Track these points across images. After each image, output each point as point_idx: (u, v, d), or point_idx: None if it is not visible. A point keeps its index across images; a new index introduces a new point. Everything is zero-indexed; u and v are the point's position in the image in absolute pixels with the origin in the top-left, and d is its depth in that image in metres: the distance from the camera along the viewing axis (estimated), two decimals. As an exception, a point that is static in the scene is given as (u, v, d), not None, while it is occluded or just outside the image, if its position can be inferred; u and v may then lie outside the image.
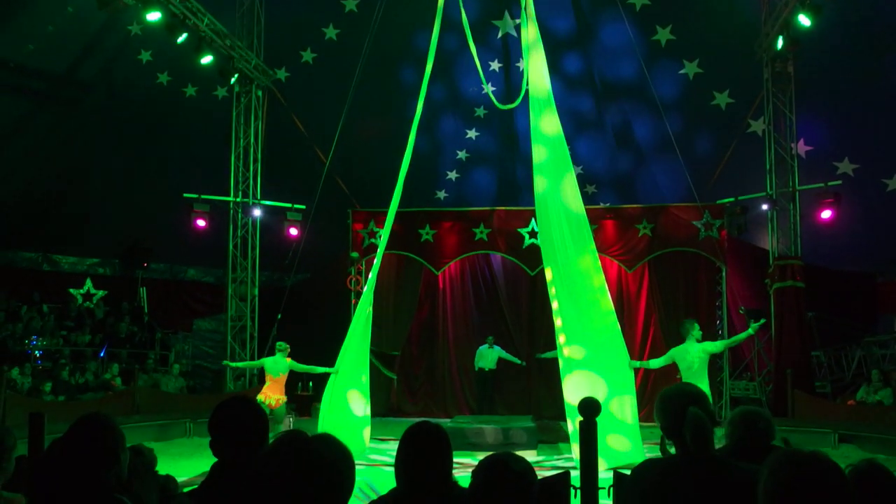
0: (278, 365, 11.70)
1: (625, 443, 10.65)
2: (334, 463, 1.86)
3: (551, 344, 16.04)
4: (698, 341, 10.75)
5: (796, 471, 1.88)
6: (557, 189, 11.90)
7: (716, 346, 11.23)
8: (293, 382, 17.56)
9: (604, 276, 11.69)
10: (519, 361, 16.68)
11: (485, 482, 2.59)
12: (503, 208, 17.84)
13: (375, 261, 13.39)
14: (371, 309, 12.60)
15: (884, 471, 3.09)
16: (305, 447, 1.87)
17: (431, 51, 13.23)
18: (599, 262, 11.74)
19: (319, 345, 19.10)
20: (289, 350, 11.87)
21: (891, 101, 15.61)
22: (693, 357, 10.57)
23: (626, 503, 2.87)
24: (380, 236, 17.55)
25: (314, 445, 1.88)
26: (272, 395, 11.54)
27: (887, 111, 15.63)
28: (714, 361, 16.46)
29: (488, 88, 14.33)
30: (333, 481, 1.85)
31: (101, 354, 16.85)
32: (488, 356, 16.57)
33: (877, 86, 15.68)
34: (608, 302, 11.43)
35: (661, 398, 2.98)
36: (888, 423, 12.55)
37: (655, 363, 11.43)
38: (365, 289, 12.94)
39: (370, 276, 13.37)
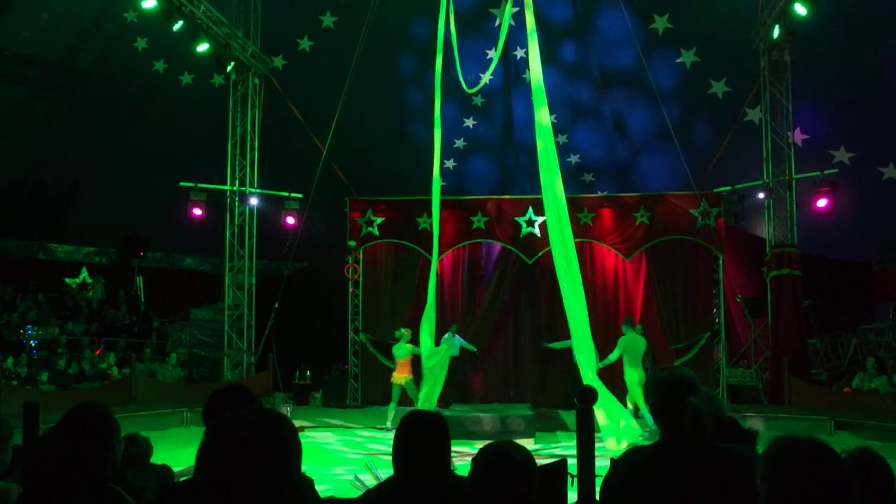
0: (400, 350, 13.78)
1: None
2: (273, 440, 1.77)
3: (553, 332, 16.14)
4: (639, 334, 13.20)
5: (796, 458, 1.88)
6: (553, 183, 12.13)
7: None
8: (292, 372, 17.63)
9: (580, 278, 11.98)
10: (474, 349, 16.72)
11: (485, 470, 2.59)
12: (501, 197, 17.83)
13: (433, 258, 14.11)
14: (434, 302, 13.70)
15: (877, 458, 3.10)
16: (242, 432, 1.78)
17: (439, 45, 13.31)
18: (577, 262, 12.02)
19: (317, 332, 19.19)
20: (409, 336, 13.82)
21: (887, 89, 15.61)
22: (641, 346, 12.90)
23: (610, 486, 2.85)
24: (377, 225, 17.60)
25: (250, 428, 1.79)
26: (397, 375, 13.81)
27: (883, 100, 15.63)
28: (710, 349, 16.56)
29: (462, 80, 14.31)
30: (278, 456, 1.76)
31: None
32: (454, 345, 16.73)
33: (873, 74, 15.66)
34: (580, 297, 11.77)
35: (655, 382, 2.93)
36: (883, 410, 12.59)
37: (614, 356, 12.87)
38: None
39: (430, 273, 14.02)
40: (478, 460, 2.62)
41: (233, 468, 1.67)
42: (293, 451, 1.79)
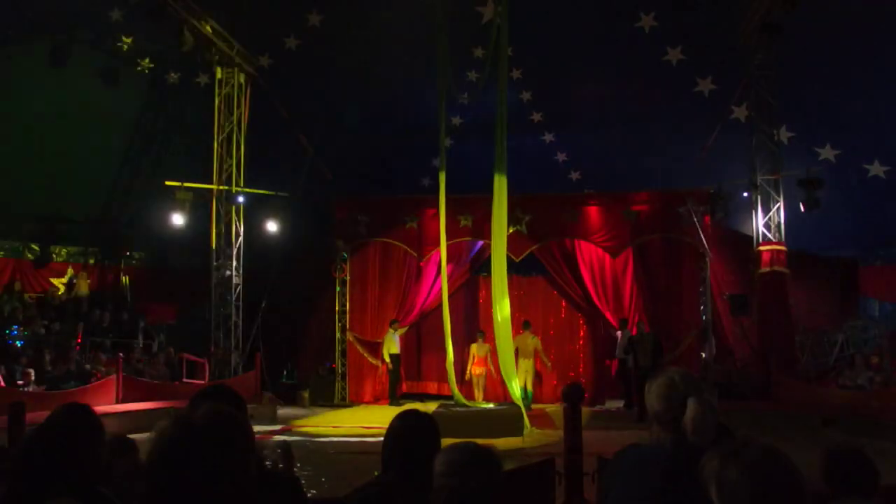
0: (480, 350, 16.40)
1: None
2: (218, 442, 1.68)
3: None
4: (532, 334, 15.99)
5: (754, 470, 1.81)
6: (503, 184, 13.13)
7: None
8: (279, 371, 17.59)
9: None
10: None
11: (453, 472, 2.54)
12: (488, 195, 17.79)
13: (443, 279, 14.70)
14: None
15: (860, 453, 3.11)
16: (187, 433, 1.69)
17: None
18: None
19: (304, 332, 19.13)
20: (485, 335, 16.25)
21: (872, 87, 15.68)
22: (530, 345, 15.80)
23: (605, 483, 2.79)
24: (364, 224, 17.57)
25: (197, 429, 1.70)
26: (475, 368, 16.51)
27: (869, 98, 15.70)
28: (697, 347, 16.60)
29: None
30: (225, 457, 1.67)
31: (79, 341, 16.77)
32: (396, 340, 16.93)
33: (858, 72, 15.74)
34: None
35: (666, 384, 2.68)
36: (870, 407, 12.65)
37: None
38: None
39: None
40: (442, 460, 2.58)
41: (175, 471, 1.61)
42: (237, 452, 1.69)
